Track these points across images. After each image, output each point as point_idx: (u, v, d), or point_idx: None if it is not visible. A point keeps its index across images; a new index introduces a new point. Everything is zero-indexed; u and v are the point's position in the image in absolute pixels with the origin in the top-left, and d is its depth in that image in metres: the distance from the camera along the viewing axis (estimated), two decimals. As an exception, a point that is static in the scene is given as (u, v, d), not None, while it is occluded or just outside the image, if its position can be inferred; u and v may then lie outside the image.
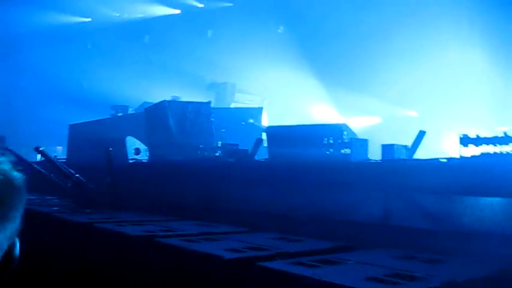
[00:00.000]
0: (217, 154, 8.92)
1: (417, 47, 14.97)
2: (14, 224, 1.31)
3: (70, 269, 5.84)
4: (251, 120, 13.10)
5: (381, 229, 5.68)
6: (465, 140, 6.14)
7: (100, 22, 23.63)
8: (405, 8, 15.36)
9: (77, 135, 13.14)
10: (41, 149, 8.20)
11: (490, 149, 6.04)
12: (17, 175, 1.33)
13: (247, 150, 8.25)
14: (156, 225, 6.48)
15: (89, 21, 23.96)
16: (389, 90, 15.98)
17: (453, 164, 5.76)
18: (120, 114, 14.86)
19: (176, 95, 15.14)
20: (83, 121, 14.23)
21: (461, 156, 5.94)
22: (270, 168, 7.61)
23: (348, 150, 7.18)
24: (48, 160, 8.40)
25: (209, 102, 10.50)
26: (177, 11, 22.46)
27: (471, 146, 6.16)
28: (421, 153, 7.48)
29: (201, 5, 21.69)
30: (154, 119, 10.43)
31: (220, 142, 9.16)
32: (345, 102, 17.20)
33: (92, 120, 13.88)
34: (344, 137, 7.39)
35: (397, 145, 6.81)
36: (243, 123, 12.94)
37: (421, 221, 5.53)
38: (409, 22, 15.11)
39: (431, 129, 13.01)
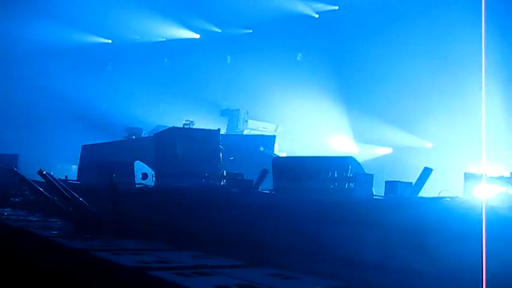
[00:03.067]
0: (222, 183, 8.83)
1: (434, 74, 14.79)
2: None
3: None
4: (262, 148, 13.01)
5: (379, 269, 5.52)
6: (469, 178, 5.99)
7: (121, 44, 23.89)
8: (423, 38, 15.28)
9: (88, 157, 13.17)
10: (44, 172, 8.18)
11: (496, 189, 5.87)
12: None
13: (251, 180, 8.15)
14: (153, 255, 6.37)
15: (110, 43, 24.23)
16: (403, 119, 15.84)
17: (456, 203, 5.60)
18: (133, 137, 14.89)
19: (191, 119, 15.14)
20: (97, 142, 14.28)
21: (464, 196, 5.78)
22: (272, 200, 7.51)
23: (352, 185, 7.04)
24: (50, 183, 8.39)
25: (218, 130, 10.44)
26: (197, 36, 22.62)
27: (478, 185, 6.01)
28: (430, 190, 7.32)
29: (218, 30, 21.83)
30: (163, 144, 10.41)
31: (225, 171, 9.07)
32: (359, 131, 17.12)
33: (103, 142, 13.91)
34: (349, 170, 7.26)
35: (401, 182, 6.68)
36: (254, 151, 12.85)
37: (422, 263, 5.36)
38: (427, 50, 15.02)
39: (445, 162, 12.92)
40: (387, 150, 16.78)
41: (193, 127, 13.90)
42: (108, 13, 21.35)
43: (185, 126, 13.62)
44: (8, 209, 11.02)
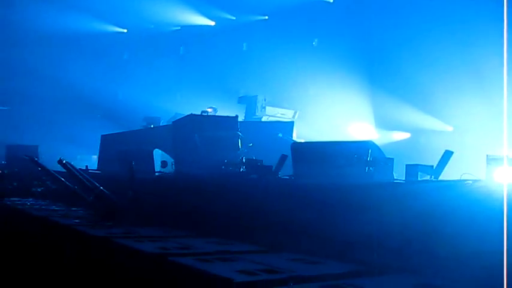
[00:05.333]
0: (241, 170, 8.83)
1: (455, 57, 14.55)
2: None
3: (83, 283, 5.82)
4: (280, 135, 13.00)
5: (400, 253, 5.49)
6: (492, 161, 5.92)
7: (136, 33, 23.94)
8: (443, 20, 15.08)
9: (108, 146, 13.26)
10: (64, 161, 8.25)
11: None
12: None
13: (271, 166, 8.14)
14: (174, 242, 6.41)
15: (126, 32, 24.28)
16: (423, 103, 15.67)
17: (478, 187, 5.53)
18: (152, 126, 14.98)
19: (209, 107, 15.22)
20: (116, 132, 14.37)
21: (486, 179, 5.71)
22: (292, 186, 7.49)
23: (372, 170, 7.00)
24: (70, 173, 8.46)
25: (236, 117, 10.44)
26: (212, 23, 22.58)
27: (500, 167, 5.93)
28: (452, 173, 7.25)
29: (233, 17, 21.78)
30: (181, 132, 10.44)
31: (244, 157, 9.07)
32: (378, 116, 17.01)
33: (122, 131, 14.00)
34: (369, 155, 7.21)
35: (422, 165, 6.63)
36: (273, 137, 12.84)
37: (443, 247, 5.32)
38: (448, 32, 14.81)
39: (467, 145, 12.79)
40: (407, 135, 16.66)
41: (217, 114, 14.01)
42: (123, 2, 21.38)
43: (203, 114, 13.64)
44: (30, 199, 11.16)
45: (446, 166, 7.38)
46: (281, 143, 12.23)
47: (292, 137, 13.78)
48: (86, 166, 11.81)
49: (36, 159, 10.22)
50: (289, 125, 14.48)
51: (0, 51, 20.81)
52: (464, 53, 14.22)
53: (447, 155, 7.10)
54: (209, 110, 15.42)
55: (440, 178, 7.11)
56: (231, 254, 5.75)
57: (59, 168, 9.07)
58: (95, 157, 16.59)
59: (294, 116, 17.07)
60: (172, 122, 12.02)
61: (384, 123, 16.87)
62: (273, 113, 16.99)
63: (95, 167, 12.95)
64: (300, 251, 6.08)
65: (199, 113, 13.43)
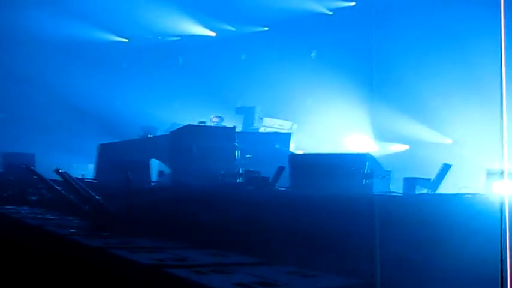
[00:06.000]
0: (238, 181, 8.80)
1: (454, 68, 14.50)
2: None
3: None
4: (277, 146, 12.95)
5: (398, 266, 5.45)
6: (491, 174, 5.89)
7: (136, 43, 23.92)
8: (442, 33, 15.10)
9: (105, 155, 13.21)
10: (60, 170, 8.21)
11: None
12: None
13: (268, 178, 8.10)
14: (170, 253, 6.34)
15: (126, 42, 24.28)
16: (422, 115, 15.64)
17: (477, 200, 5.50)
18: (149, 136, 14.93)
19: (215, 116, 15.24)
20: (114, 141, 14.32)
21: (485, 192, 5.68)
22: (289, 198, 7.45)
23: (369, 182, 6.97)
24: (66, 182, 8.41)
25: (234, 128, 10.42)
26: (213, 34, 22.58)
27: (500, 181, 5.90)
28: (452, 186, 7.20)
29: (232, 28, 21.80)
30: (179, 143, 10.40)
31: (242, 168, 9.04)
32: (377, 128, 16.99)
33: (120, 140, 13.95)
34: (366, 167, 7.19)
35: (420, 178, 6.60)
36: (270, 148, 12.79)
37: (441, 260, 5.28)
38: (446, 45, 14.81)
39: (466, 158, 12.73)
40: (405, 147, 16.63)
41: (222, 124, 13.99)
42: (125, 11, 21.35)
43: (201, 124, 13.58)
44: (25, 207, 11.07)
45: (445, 179, 7.36)
46: (278, 155, 12.18)
47: (289, 148, 13.73)
48: (82, 175, 11.77)
49: (32, 167, 10.16)
50: (287, 136, 14.42)
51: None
52: (464, 65, 14.18)
53: (445, 168, 7.08)
54: (215, 119, 15.38)
55: (438, 191, 7.09)
56: (227, 266, 5.69)
57: (56, 176, 9.02)
58: (91, 166, 16.52)
59: (291, 127, 17.00)
60: (170, 132, 12.00)
61: (382, 135, 16.83)
62: (270, 124, 16.92)
63: (91, 175, 12.89)
64: (296, 262, 6.03)
65: (197, 124, 13.39)
